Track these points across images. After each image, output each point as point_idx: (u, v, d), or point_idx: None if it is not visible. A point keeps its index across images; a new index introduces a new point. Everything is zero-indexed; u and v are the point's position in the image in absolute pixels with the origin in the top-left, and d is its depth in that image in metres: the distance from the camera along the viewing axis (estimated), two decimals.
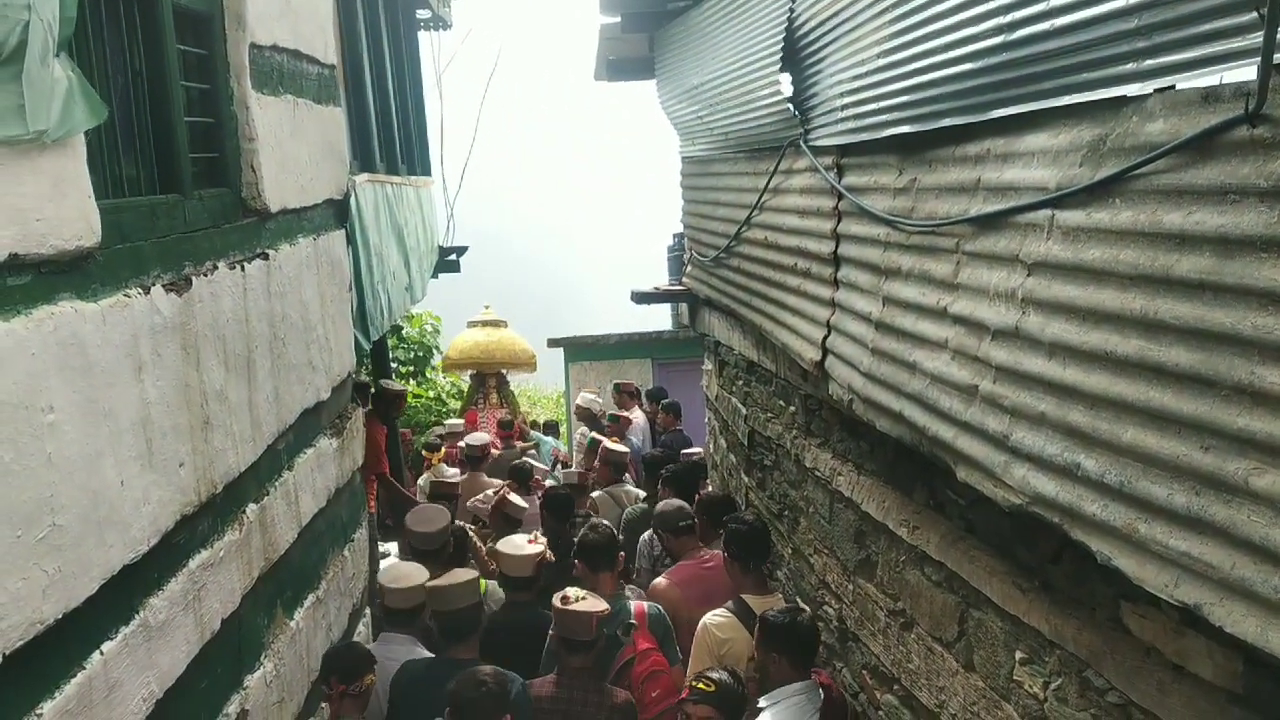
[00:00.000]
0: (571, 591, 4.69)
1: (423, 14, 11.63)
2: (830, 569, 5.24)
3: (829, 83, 4.64)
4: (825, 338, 4.66)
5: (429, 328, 15.79)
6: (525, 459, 9.52)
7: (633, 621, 4.95)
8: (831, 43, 4.55)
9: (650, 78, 9.36)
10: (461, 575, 4.83)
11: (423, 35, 11.88)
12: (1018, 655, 3.31)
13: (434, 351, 15.91)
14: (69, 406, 2.55)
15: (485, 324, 15.99)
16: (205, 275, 3.56)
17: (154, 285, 3.13)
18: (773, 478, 6.50)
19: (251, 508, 3.96)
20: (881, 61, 3.92)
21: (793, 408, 6.00)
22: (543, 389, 25.27)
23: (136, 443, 2.92)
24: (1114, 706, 2.80)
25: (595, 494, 8.37)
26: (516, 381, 25.96)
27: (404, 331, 15.06)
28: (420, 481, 10.31)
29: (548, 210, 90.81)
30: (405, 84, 10.87)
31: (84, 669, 2.60)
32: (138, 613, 2.92)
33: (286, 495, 4.41)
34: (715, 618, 4.76)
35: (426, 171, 11.47)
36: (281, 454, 4.45)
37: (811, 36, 4.85)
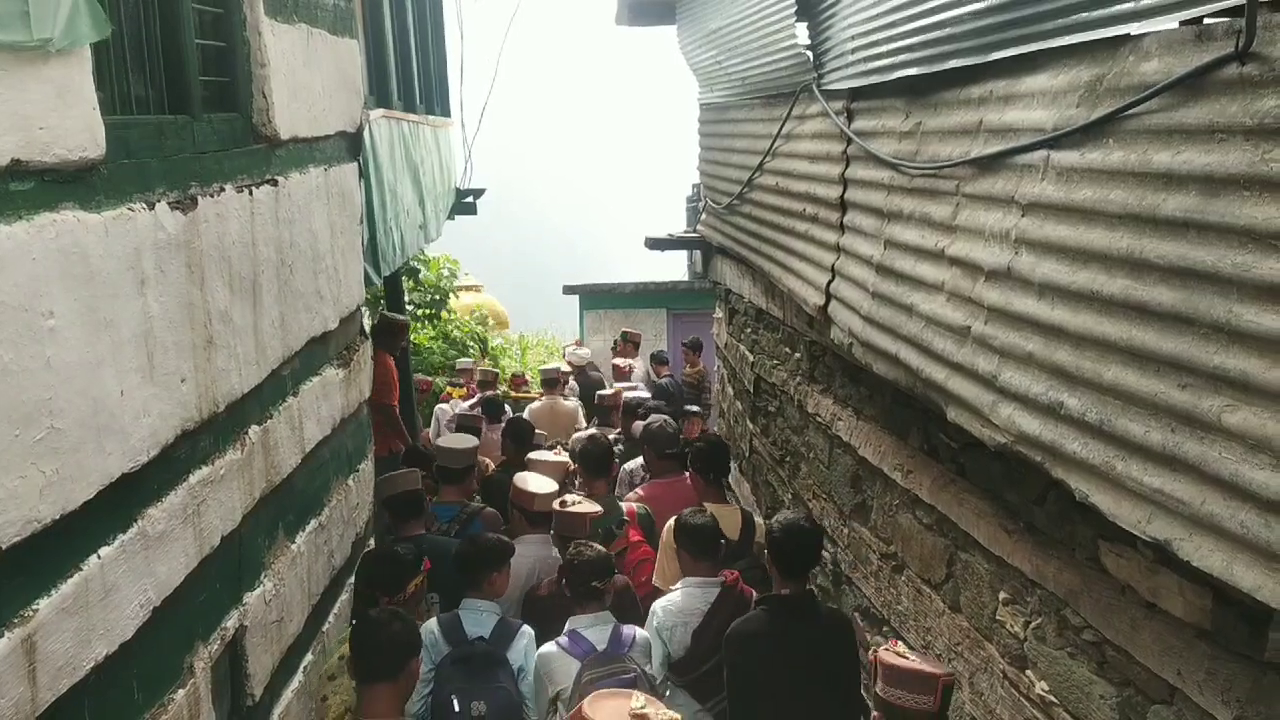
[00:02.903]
0: (569, 496, 5.44)
1: None
2: (828, 513, 5.29)
3: (842, 26, 4.62)
4: (829, 282, 4.68)
5: (446, 271, 15.81)
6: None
7: (625, 518, 5.76)
8: None
9: (671, 23, 9.31)
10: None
11: None
12: (1001, 596, 3.36)
13: (450, 295, 15.95)
14: (69, 313, 2.59)
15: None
16: (212, 196, 3.59)
17: (159, 202, 3.16)
18: (776, 424, 6.54)
19: (254, 429, 4.01)
20: (893, 3, 3.90)
21: (798, 354, 6.03)
22: (562, 337, 25.31)
23: (137, 355, 2.97)
24: (1089, 645, 2.85)
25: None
26: (533, 329, 26.05)
27: (421, 275, 15.08)
28: (438, 409, 10.52)
29: (566, 158, 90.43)
30: (426, 22, 10.82)
31: (81, 570, 2.66)
32: (136, 521, 2.98)
33: (290, 420, 4.46)
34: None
35: (445, 112, 11.44)
36: (286, 380, 4.49)
37: None
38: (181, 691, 3.25)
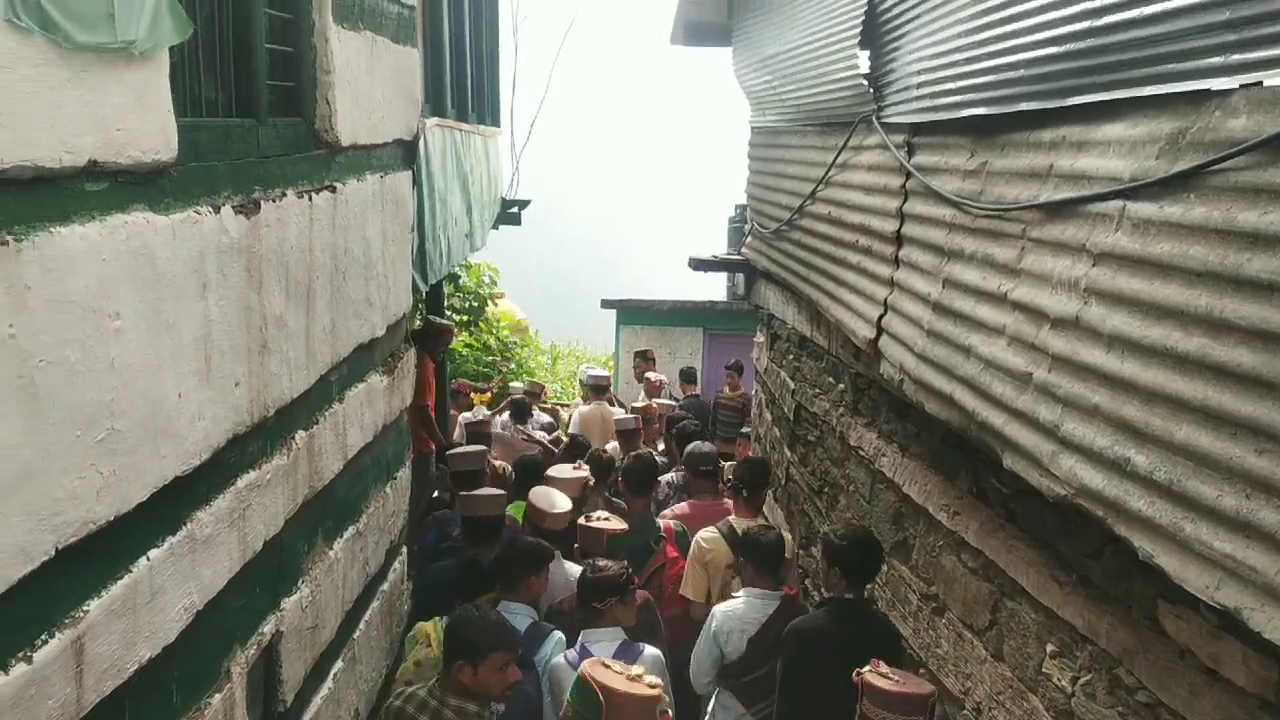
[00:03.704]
0: (596, 512, 5.72)
1: None
2: None
3: (906, 60, 4.59)
4: (881, 316, 4.64)
5: (486, 278, 15.86)
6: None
7: (662, 534, 6.06)
8: (912, 20, 4.49)
9: (726, 45, 9.30)
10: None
11: None
12: (1049, 648, 3.30)
13: (490, 302, 16.00)
14: (135, 315, 2.60)
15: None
16: (274, 201, 3.61)
17: (224, 205, 3.17)
18: (815, 454, 6.50)
19: (300, 434, 4.02)
20: (962, 41, 3.86)
21: (842, 385, 5.99)
22: (592, 349, 25.33)
23: (196, 358, 2.98)
24: (1143, 706, 2.79)
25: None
26: (567, 341, 26.09)
27: (461, 281, 15.14)
28: (461, 417, 10.60)
29: (608, 172, 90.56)
30: (481, 31, 10.87)
31: (131, 572, 2.66)
32: (185, 524, 2.99)
33: (335, 426, 4.47)
34: (705, 533, 5.74)
35: (495, 122, 11.49)
36: (333, 385, 4.51)
37: (893, 12, 4.79)
38: (218, 696, 3.25)
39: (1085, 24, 2.94)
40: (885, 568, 4.91)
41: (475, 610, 4.10)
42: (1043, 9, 3.20)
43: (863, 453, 5.38)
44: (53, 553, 2.27)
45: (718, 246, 13.68)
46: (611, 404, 11.00)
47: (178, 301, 2.84)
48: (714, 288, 16.56)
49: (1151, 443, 2.49)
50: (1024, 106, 3.36)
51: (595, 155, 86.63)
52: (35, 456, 2.19)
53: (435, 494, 8.13)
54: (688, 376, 12.60)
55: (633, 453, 7.34)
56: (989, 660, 3.75)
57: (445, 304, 12.66)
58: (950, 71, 4.00)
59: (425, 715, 3.79)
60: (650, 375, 12.20)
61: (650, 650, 4.53)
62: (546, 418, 11.14)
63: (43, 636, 2.28)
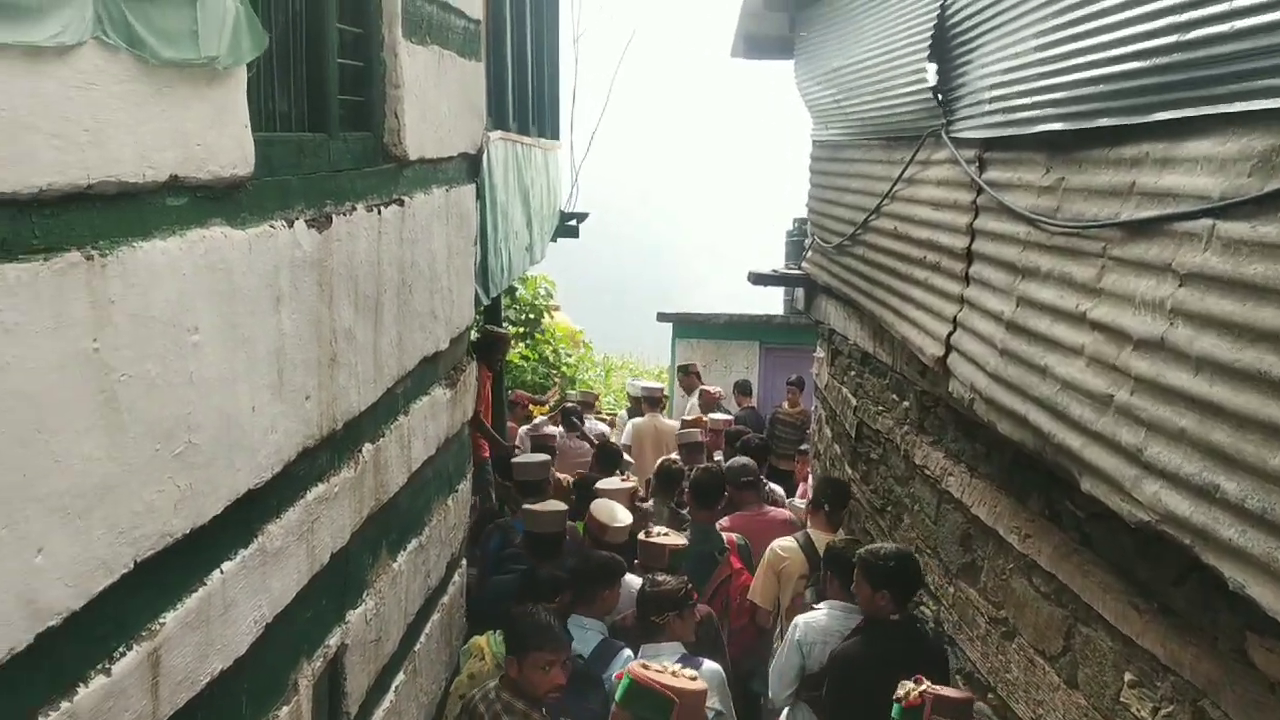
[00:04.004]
0: (656, 528, 5.73)
1: None
2: (931, 570, 5.15)
3: (977, 74, 4.53)
4: (950, 334, 4.57)
5: (542, 291, 15.93)
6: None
7: (725, 547, 6.09)
8: (985, 33, 4.43)
9: (787, 57, 9.26)
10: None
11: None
12: (1127, 677, 3.22)
13: (546, 314, 16.06)
14: (212, 329, 2.62)
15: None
16: (345, 215, 3.63)
17: (297, 220, 3.19)
18: (878, 472, 6.42)
19: (367, 447, 4.03)
20: (1038, 55, 3.80)
21: (906, 403, 5.91)
22: (645, 362, 25.32)
23: (269, 372, 3.00)
24: None
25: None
26: (620, 353, 26.10)
27: (518, 293, 15.20)
28: (521, 430, 10.62)
29: (667, 184, 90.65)
30: (542, 46, 10.92)
31: (204, 585, 2.67)
32: (256, 537, 3.00)
33: (400, 439, 4.48)
34: (782, 542, 5.81)
35: (555, 135, 11.53)
36: (399, 398, 4.52)
37: (963, 25, 4.73)
38: (286, 708, 3.26)
39: (1172, 38, 2.86)
40: (952, 590, 4.84)
41: (530, 609, 4.23)
42: (1126, 23, 3.13)
43: (928, 472, 5.30)
44: (131, 566, 2.28)
45: (775, 260, 13.63)
46: (665, 416, 11.04)
47: (252, 315, 2.86)
48: (771, 301, 16.47)
49: (1243, 469, 2.41)
50: (1104, 122, 3.29)
51: (652, 167, 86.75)
52: (116, 470, 2.21)
53: (493, 501, 8.15)
54: (743, 389, 12.69)
55: (700, 465, 7.37)
56: (1062, 688, 3.66)
57: (502, 316, 12.74)
58: (1025, 86, 3.93)
59: (484, 706, 3.97)
60: (709, 388, 12.18)
61: (710, 665, 4.52)
62: (602, 426, 11.17)
63: (120, 649, 2.29)
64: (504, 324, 13.14)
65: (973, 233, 4.44)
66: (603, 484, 6.87)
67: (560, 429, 10.08)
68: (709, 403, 11.48)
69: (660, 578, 4.70)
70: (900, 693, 3.76)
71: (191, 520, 2.55)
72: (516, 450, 8.98)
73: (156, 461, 2.37)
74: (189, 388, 2.50)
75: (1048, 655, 3.81)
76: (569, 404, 10.95)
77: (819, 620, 4.87)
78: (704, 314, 16.22)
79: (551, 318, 16.69)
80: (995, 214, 4.20)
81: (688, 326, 16.12)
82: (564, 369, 16.67)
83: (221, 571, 2.77)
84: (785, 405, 11.68)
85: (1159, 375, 2.78)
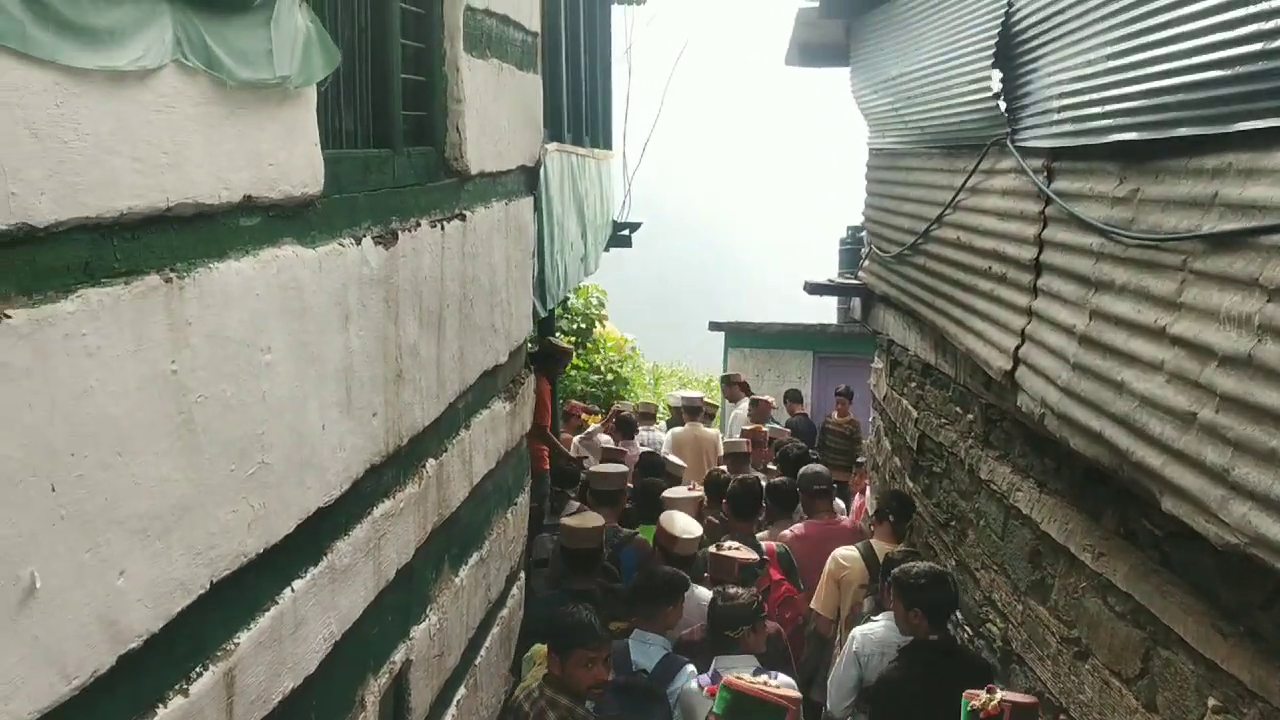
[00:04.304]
0: (728, 541, 5.74)
1: None
2: (998, 587, 5.06)
3: (1044, 81, 4.45)
4: (1018, 347, 4.49)
5: (594, 300, 15.95)
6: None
7: (765, 557, 6.03)
8: (1053, 40, 4.35)
9: (842, 65, 9.19)
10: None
11: (615, 9, 11.92)
12: (1210, 702, 3.13)
13: (598, 323, 16.08)
14: (284, 348, 2.62)
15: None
16: (409, 231, 3.63)
17: (365, 237, 3.20)
18: (941, 486, 6.33)
19: (431, 463, 4.03)
20: (1112, 63, 3.72)
21: (970, 416, 5.82)
22: (694, 370, 25.26)
23: (338, 390, 3.00)
24: None
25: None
26: (669, 362, 26.07)
27: (569, 302, 15.23)
28: (575, 440, 10.62)
29: (718, 192, 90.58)
30: (596, 56, 10.92)
31: (277, 604, 2.68)
32: (325, 555, 3.00)
33: (462, 454, 4.48)
34: (844, 551, 5.87)
35: (608, 145, 11.52)
36: (460, 413, 4.52)
37: (1029, 32, 4.65)
38: None
39: (1257, 46, 2.79)
40: (1020, 607, 4.75)
41: (571, 608, 4.28)
42: (1207, 30, 3.05)
43: (994, 487, 5.21)
44: (207, 586, 2.29)
45: (828, 267, 13.54)
46: (707, 424, 11.02)
47: (322, 334, 2.86)
48: (824, 310, 16.38)
49: None
50: (1183, 132, 3.20)
51: (702, 175, 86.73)
52: (192, 491, 2.21)
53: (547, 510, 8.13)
54: (794, 397, 12.76)
55: (739, 477, 7.32)
56: (1140, 711, 3.57)
57: (555, 326, 12.77)
58: (1096, 94, 3.85)
59: (528, 704, 4.04)
60: (763, 397, 12.12)
61: (785, 678, 4.47)
62: (661, 436, 11.19)
63: (197, 669, 2.30)
64: (557, 334, 13.18)
65: (1041, 244, 4.36)
66: (670, 493, 6.87)
67: (607, 437, 10.08)
68: (762, 412, 11.42)
69: (732, 590, 4.69)
70: (976, 703, 3.71)
71: (264, 539, 2.55)
72: (586, 461, 8.95)
73: (231, 482, 2.37)
74: (262, 407, 2.51)
75: (1124, 677, 3.72)
76: (624, 413, 10.97)
77: (876, 632, 4.87)
78: (756, 323, 16.14)
79: (603, 327, 16.70)
80: (1065, 225, 4.12)
81: (740, 335, 16.06)
82: (614, 378, 16.68)
83: (292, 590, 2.78)
84: (835, 415, 11.60)
85: (1246, 393, 2.70)
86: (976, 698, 3.74)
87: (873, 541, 5.86)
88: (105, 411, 1.90)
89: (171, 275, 2.10)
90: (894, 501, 6.23)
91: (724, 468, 8.62)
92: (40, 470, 1.74)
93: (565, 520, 5.77)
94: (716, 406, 13.35)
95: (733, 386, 13.01)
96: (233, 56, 2.22)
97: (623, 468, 7.35)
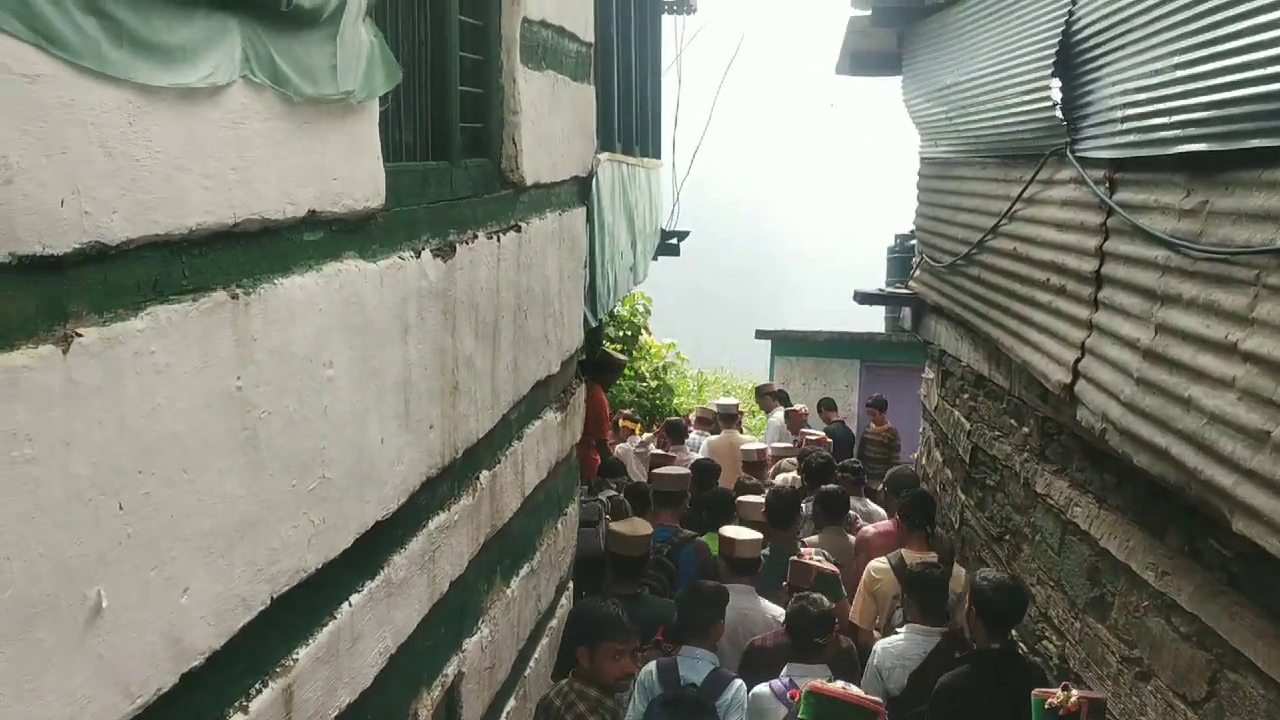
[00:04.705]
0: (811, 551, 5.73)
1: None
2: (1055, 603, 4.98)
3: (1107, 91, 4.37)
4: (1078, 360, 4.41)
5: (640, 307, 15.91)
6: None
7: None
8: (1116, 48, 4.27)
9: (894, 74, 9.12)
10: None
11: (665, 18, 11.91)
12: None
13: (644, 331, 16.04)
14: (345, 363, 2.62)
15: None
16: (467, 244, 3.62)
17: (424, 250, 3.19)
18: (995, 499, 6.24)
19: (484, 474, 4.02)
20: (1180, 73, 3.64)
21: (1026, 429, 5.74)
22: (738, 377, 25.14)
23: (396, 403, 2.99)
24: None
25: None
26: (713, 369, 25.97)
27: (616, 310, 15.22)
28: (619, 447, 10.63)
29: (759, 199, 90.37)
30: (646, 65, 10.89)
31: (335, 619, 2.67)
32: (382, 569, 3.00)
33: (514, 465, 4.47)
34: (876, 563, 5.87)
35: (657, 154, 11.49)
36: (513, 424, 4.51)
37: (1091, 41, 4.58)
38: None
39: None
40: (1078, 625, 4.67)
41: (599, 601, 4.37)
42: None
43: (1051, 501, 5.13)
44: (268, 602, 2.28)
45: (876, 276, 13.44)
46: (741, 432, 11.03)
47: (382, 348, 2.86)
48: (871, 319, 16.24)
49: None
50: (1257, 143, 3.13)
51: (745, 182, 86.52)
52: (255, 508, 2.21)
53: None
54: (828, 405, 12.65)
55: (773, 486, 7.37)
56: None
57: (603, 334, 12.77)
58: (1163, 105, 3.77)
59: (559, 700, 4.05)
60: (796, 407, 12.12)
61: (855, 689, 4.48)
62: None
63: (257, 685, 2.29)
64: (605, 341, 13.18)
65: (1102, 255, 4.28)
66: (744, 499, 6.92)
67: (654, 445, 10.08)
68: (797, 421, 11.43)
69: (814, 596, 4.69)
70: (1054, 700, 3.68)
71: (324, 555, 2.55)
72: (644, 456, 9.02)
73: (292, 497, 2.37)
74: (323, 422, 2.50)
75: (1189, 700, 3.64)
76: (673, 419, 11.06)
77: (896, 644, 4.93)
78: (803, 331, 16.05)
79: (650, 334, 16.67)
80: (1128, 237, 4.04)
81: (787, 344, 15.97)
82: (659, 385, 16.62)
83: (350, 604, 2.77)
84: (872, 425, 11.56)
85: None
86: (1052, 696, 3.70)
87: (903, 552, 5.82)
88: (172, 429, 1.90)
89: (238, 291, 2.10)
90: (909, 507, 6.11)
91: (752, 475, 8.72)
92: (109, 489, 1.74)
93: (615, 526, 5.75)
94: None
95: (765, 398, 13.03)
96: (299, 72, 2.22)
97: (684, 470, 7.50)
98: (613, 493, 7.33)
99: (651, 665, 4.50)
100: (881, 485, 7.60)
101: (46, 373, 1.58)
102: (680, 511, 6.88)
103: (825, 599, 4.70)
